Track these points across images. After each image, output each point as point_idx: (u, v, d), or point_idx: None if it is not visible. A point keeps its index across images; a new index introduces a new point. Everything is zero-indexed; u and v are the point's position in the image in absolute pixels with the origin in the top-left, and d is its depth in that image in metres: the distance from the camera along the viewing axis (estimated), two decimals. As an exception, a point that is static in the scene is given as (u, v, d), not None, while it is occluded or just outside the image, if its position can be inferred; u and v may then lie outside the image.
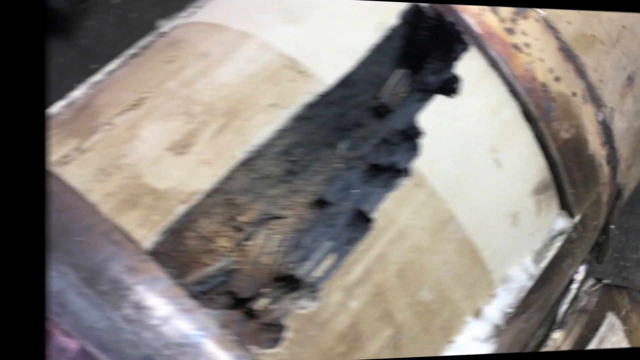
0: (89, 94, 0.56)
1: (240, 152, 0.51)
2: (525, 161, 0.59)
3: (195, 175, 0.49)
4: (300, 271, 0.50)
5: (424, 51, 0.61)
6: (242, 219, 0.55)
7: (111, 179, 0.47)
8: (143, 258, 0.43)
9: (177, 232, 0.47)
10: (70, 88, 0.54)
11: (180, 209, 0.47)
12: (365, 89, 0.59)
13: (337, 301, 0.48)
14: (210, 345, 0.42)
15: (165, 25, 0.63)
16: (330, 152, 0.59)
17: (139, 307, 0.42)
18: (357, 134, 0.61)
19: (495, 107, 0.58)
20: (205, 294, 0.52)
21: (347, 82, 0.56)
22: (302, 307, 0.48)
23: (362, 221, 0.52)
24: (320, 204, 0.58)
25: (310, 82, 0.53)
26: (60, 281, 0.41)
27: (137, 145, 0.49)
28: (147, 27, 0.60)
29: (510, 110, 0.59)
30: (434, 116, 0.55)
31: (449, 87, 0.57)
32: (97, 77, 0.58)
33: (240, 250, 0.54)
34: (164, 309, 0.42)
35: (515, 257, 0.59)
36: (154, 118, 0.51)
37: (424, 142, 0.54)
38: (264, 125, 0.52)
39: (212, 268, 0.52)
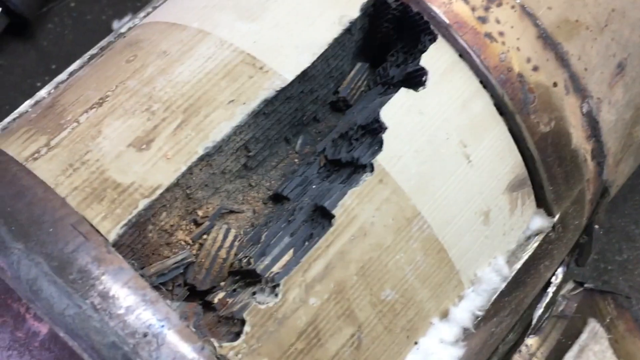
0: (54, 94, 0.78)
1: (200, 148, 0.73)
2: (498, 156, 0.82)
3: (157, 171, 0.71)
4: (258, 266, 0.72)
5: (386, 44, 0.83)
6: (200, 213, 0.78)
7: (78, 174, 0.69)
8: (109, 249, 0.65)
9: (139, 225, 0.70)
10: (32, 87, 0.78)
11: (143, 203, 0.69)
12: (324, 84, 0.81)
13: (296, 297, 0.70)
14: (172, 336, 0.65)
15: (123, 26, 0.86)
16: (287, 147, 0.81)
17: (105, 296, 0.64)
18: (315, 128, 0.83)
19: (465, 99, 0.80)
20: (164, 285, 0.74)
21: (305, 77, 0.78)
22: (262, 302, 0.70)
23: (322, 217, 0.74)
24: (277, 199, 0.81)
25: (269, 78, 0.75)
26: (34, 269, 0.63)
27: (101, 142, 0.71)
28: (103, 27, 0.84)
29: (482, 103, 0.81)
30: (398, 110, 0.77)
31: (414, 79, 0.79)
32: (61, 77, 0.82)
33: (198, 243, 0.76)
34: (129, 299, 0.64)
35: (486, 257, 0.82)
36: (116, 115, 0.73)
37: (388, 137, 0.76)
38: (222, 122, 0.74)
39: (170, 260, 0.74)
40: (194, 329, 0.66)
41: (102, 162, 0.71)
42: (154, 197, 0.70)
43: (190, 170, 0.72)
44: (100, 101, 0.75)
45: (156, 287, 0.68)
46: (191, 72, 0.76)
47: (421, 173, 0.76)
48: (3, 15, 1.39)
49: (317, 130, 0.86)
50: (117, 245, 0.67)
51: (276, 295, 0.69)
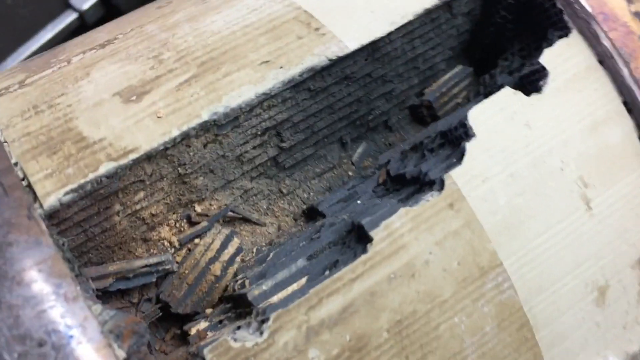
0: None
1: (205, 112, 0.52)
2: (633, 212, 0.56)
3: (139, 129, 0.50)
4: (252, 291, 0.50)
5: (499, 43, 0.61)
6: (198, 208, 0.56)
7: (38, 118, 0.51)
8: (32, 214, 0.45)
9: (97, 198, 0.49)
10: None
11: (106, 167, 0.49)
12: (404, 75, 0.59)
13: (289, 343, 0.47)
14: (82, 354, 0.42)
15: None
16: (341, 153, 0.58)
17: (1, 275, 0.43)
18: (384, 138, 0.61)
19: (597, 121, 0.55)
20: (126, 295, 0.53)
21: (376, 54, 0.56)
22: (238, 339, 0.47)
23: (358, 241, 0.51)
24: (311, 215, 0.58)
25: (323, 43, 0.54)
26: None
27: (83, 86, 0.53)
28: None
29: (623, 132, 0.56)
30: (496, 115, 0.53)
31: (529, 81, 0.56)
32: None
33: (187, 249, 0.55)
34: (35, 286, 0.43)
35: (593, 354, 0.55)
36: (115, 59, 0.55)
37: (473, 149, 0.52)
38: (245, 85, 0.53)
39: (140, 262, 0.52)
40: (123, 355, 0.43)
41: (74, 108, 0.52)
42: (123, 161, 0.49)
43: (186, 139, 0.52)
44: (106, 43, 0.57)
45: (106, 294, 0.47)
46: (226, 22, 0.57)
47: (514, 208, 0.52)
48: (100, 5, 1.28)
49: (387, 142, 0.63)
50: (56, 216, 0.48)
51: (261, 333, 0.46)
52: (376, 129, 0.62)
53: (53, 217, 0.48)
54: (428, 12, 0.57)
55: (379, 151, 0.62)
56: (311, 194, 0.60)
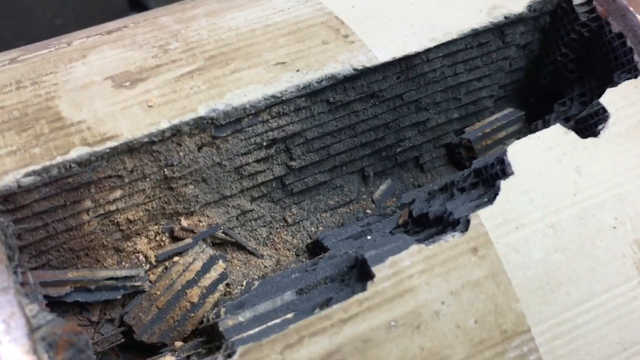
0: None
1: (202, 107, 0.44)
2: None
3: (124, 116, 0.43)
4: (224, 321, 0.41)
5: (559, 82, 0.52)
6: (185, 222, 0.48)
7: (18, 93, 0.45)
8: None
9: (65, 187, 0.42)
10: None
11: (77, 152, 0.41)
12: (442, 104, 0.50)
13: (258, 386, 0.38)
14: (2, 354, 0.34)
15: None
16: (361, 187, 0.50)
17: None
18: (413, 177, 0.52)
19: (662, 179, 0.46)
20: (84, 310, 0.45)
21: (410, 74, 0.48)
22: (199, 372, 0.38)
23: (359, 279, 0.42)
24: (315, 250, 0.49)
25: (350, 51, 0.47)
26: None
27: (76, 66, 0.47)
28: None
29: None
30: (542, 154, 0.44)
31: (586, 125, 0.47)
32: None
33: (164, 266, 0.46)
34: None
35: None
36: (118, 45, 0.49)
37: (510, 189, 0.43)
38: (254, 84, 0.45)
39: (105, 273, 0.44)
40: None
41: (59, 87, 0.46)
42: (98, 148, 0.42)
43: (177, 135, 0.45)
44: (114, 30, 0.52)
45: (61, 305, 0.39)
46: (247, 20, 0.50)
47: (551, 265, 0.43)
48: None
49: (416, 182, 0.54)
50: (12, 199, 0.41)
51: (226, 367, 0.37)
52: (405, 166, 0.54)
53: (8, 201, 0.40)
54: (476, 34, 0.49)
55: (405, 191, 0.53)
56: (320, 228, 0.52)
